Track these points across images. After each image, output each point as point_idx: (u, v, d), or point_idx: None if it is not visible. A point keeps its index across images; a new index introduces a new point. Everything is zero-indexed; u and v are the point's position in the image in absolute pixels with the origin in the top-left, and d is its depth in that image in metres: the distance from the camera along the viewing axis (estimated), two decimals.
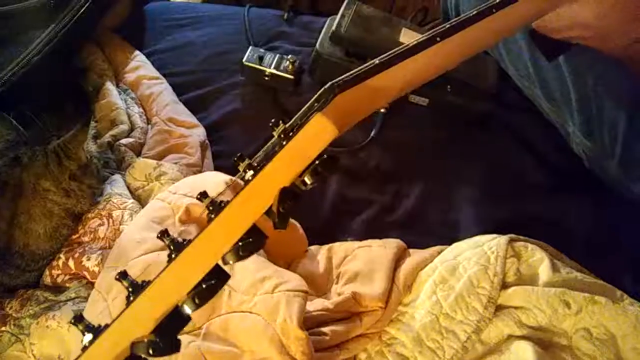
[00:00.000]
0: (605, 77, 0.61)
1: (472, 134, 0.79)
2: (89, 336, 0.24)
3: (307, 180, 0.28)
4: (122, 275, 0.25)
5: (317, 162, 0.28)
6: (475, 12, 0.39)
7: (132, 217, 0.59)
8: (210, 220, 0.26)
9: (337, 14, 0.80)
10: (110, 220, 0.59)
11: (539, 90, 0.71)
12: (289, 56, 0.80)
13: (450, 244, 0.62)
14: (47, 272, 0.59)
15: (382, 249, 0.60)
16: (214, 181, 0.61)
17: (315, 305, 0.52)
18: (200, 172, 0.69)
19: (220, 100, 0.81)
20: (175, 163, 0.68)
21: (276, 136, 0.29)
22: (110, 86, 0.78)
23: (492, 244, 0.58)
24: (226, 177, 0.62)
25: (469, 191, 0.71)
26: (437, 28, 0.38)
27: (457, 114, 0.78)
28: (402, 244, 0.61)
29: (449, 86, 0.76)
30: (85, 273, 0.56)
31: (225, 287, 0.49)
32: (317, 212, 0.69)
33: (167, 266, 0.25)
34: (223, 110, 0.80)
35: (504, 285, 0.56)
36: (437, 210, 0.70)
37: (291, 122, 0.30)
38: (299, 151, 0.28)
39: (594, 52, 0.56)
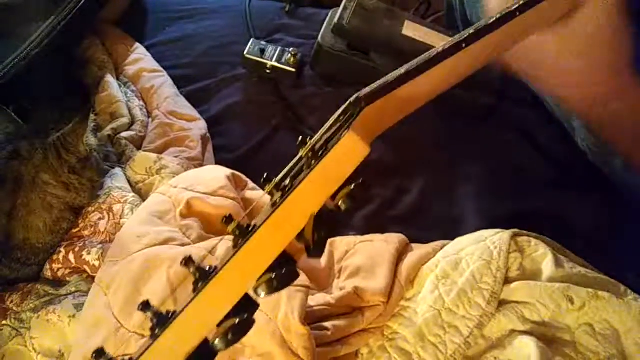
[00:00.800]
0: None
1: (475, 128, 0.78)
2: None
3: (342, 204, 0.26)
4: (145, 307, 0.24)
5: (352, 185, 0.27)
6: (498, 15, 0.38)
7: (132, 211, 0.58)
8: (237, 246, 0.25)
9: (339, 6, 0.79)
10: (111, 214, 0.59)
11: None
12: (291, 49, 0.79)
13: (452, 238, 0.61)
14: (47, 266, 0.59)
15: (384, 244, 0.59)
16: (215, 175, 0.61)
17: (317, 300, 0.52)
18: (201, 165, 0.69)
19: (222, 93, 0.80)
20: (176, 157, 0.68)
21: (303, 154, 0.28)
22: (110, 79, 0.77)
23: (495, 238, 0.58)
24: (227, 171, 0.62)
25: (472, 186, 0.71)
26: (462, 33, 0.37)
27: (460, 108, 0.77)
28: (404, 239, 0.61)
29: None
30: (86, 267, 0.56)
31: None
32: None
33: (193, 297, 0.23)
34: (224, 103, 0.79)
35: (507, 281, 0.56)
36: (439, 205, 0.69)
37: (316, 138, 0.29)
38: (330, 172, 0.26)
39: None
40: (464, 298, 0.54)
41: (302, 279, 0.48)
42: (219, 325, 0.24)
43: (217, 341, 0.23)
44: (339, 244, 0.61)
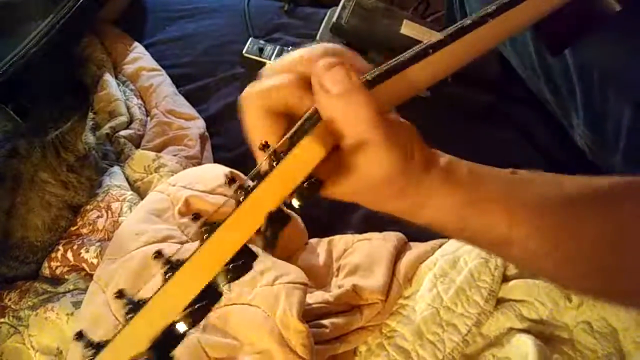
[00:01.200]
0: (611, 70, 0.60)
1: (474, 125, 0.78)
2: (90, 352, 0.26)
3: (295, 202, 0.29)
4: (120, 295, 0.26)
5: (304, 184, 0.29)
6: (482, 13, 0.37)
7: (131, 209, 0.59)
8: (202, 240, 0.27)
9: (337, 5, 0.79)
10: (109, 212, 0.59)
11: (543, 82, 0.71)
12: (289, 48, 0.79)
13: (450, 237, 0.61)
14: (45, 264, 0.59)
15: (382, 242, 0.59)
16: (214, 173, 0.61)
17: (316, 297, 0.52)
18: (199, 164, 0.69)
19: (220, 92, 0.80)
20: (175, 155, 0.68)
21: (265, 158, 0.30)
22: (109, 78, 0.77)
23: None
24: (226, 170, 0.62)
25: None
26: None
27: (458, 105, 0.78)
28: (403, 237, 0.61)
29: (449, 77, 0.75)
30: (84, 265, 0.56)
31: None
32: (317, 205, 0.68)
33: (161, 286, 0.26)
34: (223, 102, 0.79)
35: (505, 279, 0.56)
36: None
37: (280, 142, 0.31)
38: (287, 175, 0.28)
39: (599, 45, 0.56)
40: (462, 296, 0.54)
41: (301, 276, 0.49)
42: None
43: (179, 324, 0.26)
44: (338, 242, 0.61)
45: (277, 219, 0.28)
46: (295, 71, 0.32)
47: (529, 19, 0.40)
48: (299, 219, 0.61)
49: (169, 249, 0.50)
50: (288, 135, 0.31)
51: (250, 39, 0.81)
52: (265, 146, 0.30)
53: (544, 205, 0.36)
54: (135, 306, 0.26)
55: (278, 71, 0.33)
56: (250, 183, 0.29)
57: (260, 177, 0.29)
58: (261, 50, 0.79)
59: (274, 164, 0.29)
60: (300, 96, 0.32)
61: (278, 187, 0.28)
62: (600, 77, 0.60)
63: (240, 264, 0.27)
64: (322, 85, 0.30)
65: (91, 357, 0.25)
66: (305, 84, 0.32)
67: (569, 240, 0.36)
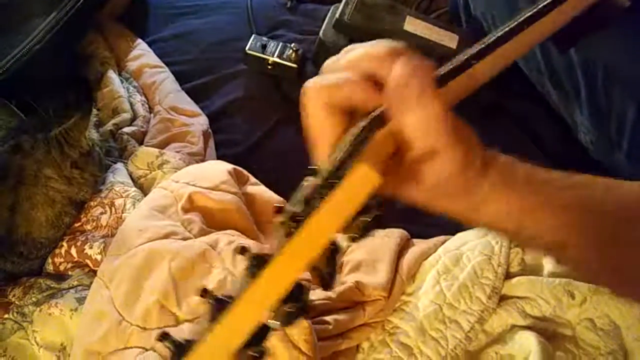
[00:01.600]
0: (616, 67, 0.60)
1: (476, 123, 0.78)
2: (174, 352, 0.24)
3: (356, 235, 0.27)
4: (164, 337, 0.24)
5: (368, 216, 0.27)
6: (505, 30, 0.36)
7: (134, 206, 0.59)
8: (253, 275, 0.25)
9: (340, 1, 0.79)
10: (113, 209, 0.59)
11: (548, 79, 0.70)
12: (292, 44, 0.79)
13: (454, 234, 0.61)
14: (49, 260, 0.59)
15: (385, 239, 0.59)
16: (217, 170, 0.61)
17: (318, 294, 0.52)
18: (202, 161, 0.69)
19: (223, 88, 0.80)
20: (178, 152, 0.68)
21: (310, 182, 0.27)
22: (112, 74, 0.77)
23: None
24: (229, 166, 0.62)
25: None
26: (471, 49, 0.34)
27: (461, 103, 0.77)
28: (406, 234, 0.61)
29: None
30: (88, 261, 0.56)
31: (228, 275, 0.49)
32: None
33: (210, 326, 0.24)
34: (225, 99, 0.79)
35: (508, 276, 0.56)
36: None
37: (330, 168, 0.28)
38: (343, 203, 0.26)
39: (605, 42, 0.55)
40: (465, 293, 0.54)
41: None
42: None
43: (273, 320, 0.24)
44: (340, 239, 0.61)
45: (333, 254, 0.26)
46: (360, 68, 0.31)
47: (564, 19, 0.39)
48: None
49: (198, 246, 0.49)
50: (337, 156, 0.29)
51: (253, 35, 0.80)
52: (312, 170, 0.28)
53: (599, 211, 0.36)
54: (181, 350, 0.24)
55: (342, 67, 0.32)
56: (296, 209, 0.27)
57: (308, 203, 0.26)
58: (264, 47, 0.79)
59: (324, 190, 0.26)
60: (365, 95, 0.31)
61: (334, 217, 0.26)
62: (605, 74, 0.60)
63: (296, 305, 0.25)
64: (403, 91, 0.29)
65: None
66: (370, 82, 0.31)
67: (622, 244, 0.36)
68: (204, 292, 0.25)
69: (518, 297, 0.55)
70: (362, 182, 0.26)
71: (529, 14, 0.36)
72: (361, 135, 0.29)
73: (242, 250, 0.26)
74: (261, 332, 0.25)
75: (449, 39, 0.73)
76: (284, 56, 0.78)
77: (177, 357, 0.24)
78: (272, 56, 0.78)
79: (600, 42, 0.51)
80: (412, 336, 0.53)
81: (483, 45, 0.34)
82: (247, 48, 0.79)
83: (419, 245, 0.59)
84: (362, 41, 0.81)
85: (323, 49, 0.78)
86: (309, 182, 0.28)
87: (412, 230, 0.62)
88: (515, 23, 0.36)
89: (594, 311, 0.53)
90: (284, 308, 0.25)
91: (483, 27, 0.76)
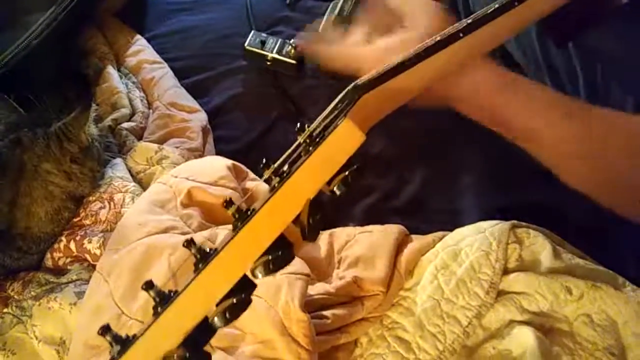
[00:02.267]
0: (614, 63, 0.60)
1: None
2: (117, 347, 0.24)
3: (337, 190, 0.27)
4: (149, 286, 0.25)
5: (347, 171, 0.27)
6: (497, 5, 0.38)
7: (133, 200, 0.59)
8: (236, 228, 0.25)
9: None
10: (112, 204, 0.59)
11: (547, 75, 0.70)
12: (292, 41, 0.79)
13: (452, 229, 0.61)
14: (48, 255, 0.59)
15: (383, 234, 0.59)
16: (216, 165, 0.61)
17: (317, 289, 0.52)
18: (201, 156, 0.69)
19: (222, 84, 0.80)
20: (177, 147, 0.68)
21: (301, 141, 0.28)
22: (111, 70, 0.78)
23: (494, 229, 0.58)
24: (228, 162, 0.62)
25: (472, 177, 0.71)
26: (458, 24, 0.37)
27: None
28: (404, 230, 0.61)
29: None
30: (87, 255, 0.56)
31: None
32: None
33: (194, 277, 0.24)
34: (225, 95, 0.79)
35: (506, 271, 0.56)
36: (439, 197, 0.70)
37: (314, 125, 0.30)
38: (327, 158, 0.27)
39: (603, 37, 0.56)
40: (462, 288, 0.54)
41: (303, 267, 0.49)
42: (218, 304, 0.25)
43: (215, 319, 0.24)
44: (339, 234, 0.61)
45: (318, 207, 0.26)
46: None
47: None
48: None
49: (198, 240, 0.49)
50: (322, 115, 0.30)
51: (252, 31, 0.80)
52: (301, 128, 0.28)
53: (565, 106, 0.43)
54: (164, 299, 0.24)
55: None
56: (285, 168, 0.27)
57: (294, 162, 0.27)
58: (263, 43, 0.79)
59: (309, 148, 0.27)
60: None
61: (318, 172, 0.26)
62: (603, 69, 0.60)
63: (280, 255, 0.25)
64: None
65: (118, 353, 0.23)
66: None
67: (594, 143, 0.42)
68: (149, 286, 0.25)
69: (515, 293, 0.55)
70: (344, 138, 0.27)
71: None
72: (346, 96, 0.31)
73: (228, 203, 0.26)
74: (244, 284, 0.25)
75: None
76: (283, 52, 0.78)
77: (118, 353, 0.23)
78: (272, 52, 0.78)
79: (599, 37, 0.52)
80: (410, 331, 0.53)
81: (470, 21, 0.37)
82: (246, 44, 0.79)
83: (418, 241, 0.60)
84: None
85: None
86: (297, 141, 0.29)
87: (411, 226, 0.62)
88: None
89: (591, 307, 0.53)
90: (265, 259, 0.25)
91: None
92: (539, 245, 0.58)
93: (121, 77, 0.78)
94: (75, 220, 0.60)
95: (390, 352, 0.52)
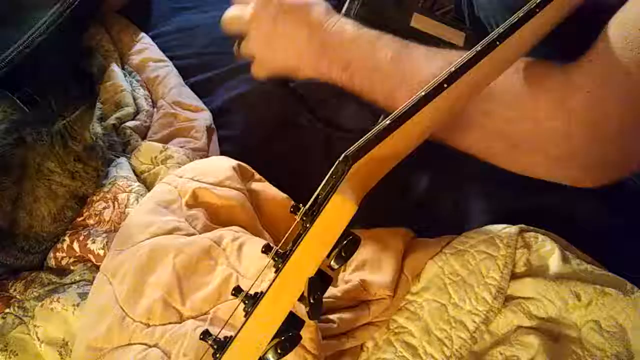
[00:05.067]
0: None
1: None
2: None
3: (334, 264, 0.28)
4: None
5: (343, 243, 0.28)
6: (479, 48, 0.38)
7: (137, 200, 0.58)
8: (247, 314, 0.27)
9: None
10: (116, 203, 0.59)
11: None
12: None
13: (459, 233, 0.61)
14: (51, 255, 0.58)
15: (390, 238, 0.59)
16: (221, 166, 0.61)
17: None
18: (206, 156, 0.68)
19: (227, 84, 0.80)
20: (182, 147, 0.67)
21: (298, 219, 0.29)
22: (115, 68, 0.77)
23: (502, 234, 0.58)
24: (233, 162, 0.61)
25: (479, 181, 0.70)
26: (442, 75, 0.36)
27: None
28: (411, 233, 0.61)
29: None
30: (90, 256, 0.56)
31: (233, 272, 0.49)
32: None
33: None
34: (229, 94, 0.79)
35: (514, 276, 0.55)
36: (446, 200, 0.69)
37: (310, 202, 0.30)
38: (322, 234, 0.28)
39: None
40: (470, 293, 0.54)
41: None
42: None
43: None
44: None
45: (317, 284, 0.27)
46: None
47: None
48: None
49: (202, 243, 0.50)
50: (316, 193, 0.30)
51: None
52: (296, 208, 0.29)
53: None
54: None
55: None
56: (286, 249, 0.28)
57: (295, 241, 0.28)
58: None
59: (307, 225, 0.28)
60: None
61: (315, 249, 0.27)
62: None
63: (289, 336, 0.27)
64: None
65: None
66: None
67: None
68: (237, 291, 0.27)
69: (523, 298, 0.54)
70: (337, 211, 0.28)
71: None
72: (338, 168, 0.31)
73: (235, 291, 0.28)
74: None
75: (456, 37, 0.72)
76: None
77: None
78: None
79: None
80: (417, 336, 0.52)
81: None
82: None
83: (424, 245, 0.59)
84: None
85: None
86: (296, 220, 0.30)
87: (418, 230, 0.62)
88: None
89: (599, 313, 0.53)
90: (279, 341, 0.27)
91: (487, 29, 0.75)
92: (547, 249, 0.57)
93: (125, 75, 0.78)
94: (78, 219, 0.59)
95: (397, 357, 0.52)
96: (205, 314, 0.47)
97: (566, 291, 0.53)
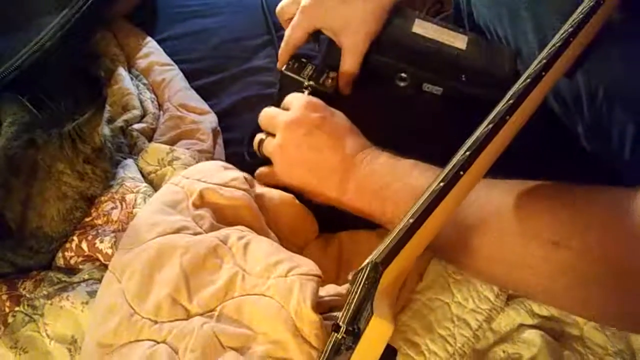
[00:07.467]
0: (618, 81, 0.60)
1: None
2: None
3: None
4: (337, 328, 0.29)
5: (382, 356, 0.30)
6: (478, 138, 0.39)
7: (145, 201, 0.59)
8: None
9: None
10: (124, 204, 0.60)
11: (554, 102, 0.70)
12: (330, 72, 0.74)
13: None
14: (60, 254, 0.59)
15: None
16: (227, 168, 0.62)
17: (328, 290, 0.52)
18: (212, 158, 0.69)
19: (232, 87, 0.81)
20: (188, 149, 0.68)
21: (340, 337, 0.30)
22: (122, 72, 0.78)
23: None
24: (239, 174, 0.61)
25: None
26: (451, 164, 0.38)
27: (472, 103, 0.77)
28: None
29: (463, 75, 0.75)
30: (99, 255, 0.57)
31: (239, 270, 0.50)
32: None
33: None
34: (234, 97, 0.80)
35: None
36: None
37: (346, 322, 0.31)
38: (365, 355, 0.29)
39: (607, 57, 0.56)
40: (473, 292, 0.54)
41: (314, 268, 0.49)
42: None
43: None
44: (349, 236, 0.62)
45: None
46: None
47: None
48: (310, 213, 0.62)
49: (209, 241, 0.51)
50: (348, 305, 0.32)
51: (291, 57, 0.75)
52: (337, 327, 0.31)
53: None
54: None
55: None
56: None
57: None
58: (300, 69, 0.73)
59: (352, 345, 0.30)
60: None
61: None
62: (606, 91, 0.60)
63: None
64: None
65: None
66: None
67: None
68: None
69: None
70: (377, 335, 0.30)
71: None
72: (369, 276, 0.33)
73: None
74: None
75: (459, 40, 0.73)
76: (320, 81, 0.73)
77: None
78: (308, 80, 0.72)
79: (600, 58, 0.52)
80: (420, 334, 0.53)
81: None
82: (283, 68, 0.74)
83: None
84: (371, 43, 0.82)
85: (333, 50, 0.77)
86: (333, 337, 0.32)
87: None
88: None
89: None
90: None
91: (486, 35, 0.76)
92: None
93: (132, 79, 0.79)
94: (87, 220, 0.60)
95: (400, 354, 0.52)
96: (212, 310, 0.47)
97: None
